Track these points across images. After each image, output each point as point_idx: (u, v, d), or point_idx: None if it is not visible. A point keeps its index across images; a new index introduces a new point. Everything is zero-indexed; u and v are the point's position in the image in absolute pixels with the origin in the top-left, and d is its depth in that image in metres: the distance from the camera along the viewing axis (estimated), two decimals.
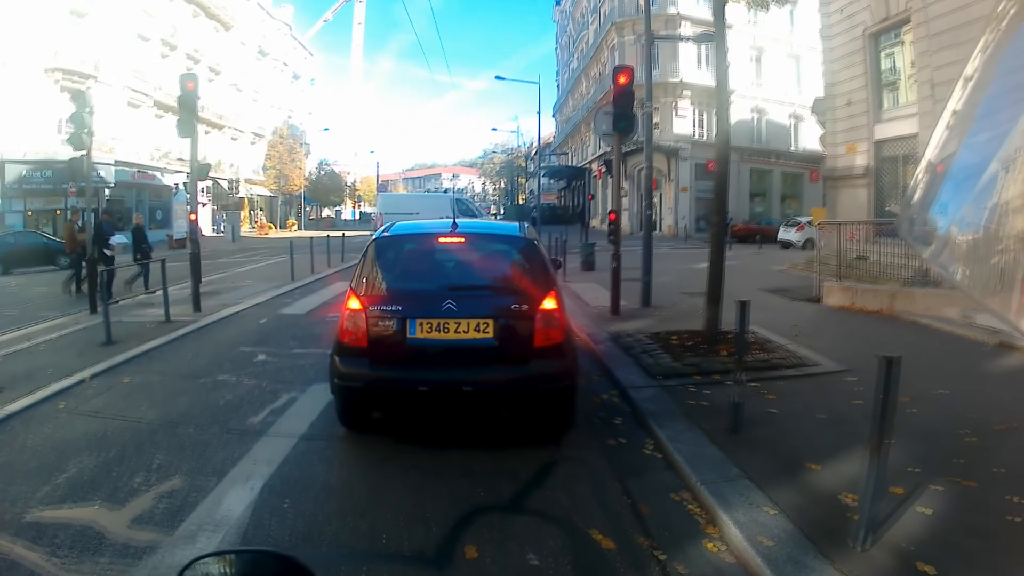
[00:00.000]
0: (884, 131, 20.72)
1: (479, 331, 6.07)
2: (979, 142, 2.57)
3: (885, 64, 20.97)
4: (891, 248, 14.74)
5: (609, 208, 14.07)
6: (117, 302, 14.29)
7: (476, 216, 40.14)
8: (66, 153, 18.84)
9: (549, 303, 6.21)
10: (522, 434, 6.69)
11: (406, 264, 6.93)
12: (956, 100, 2.86)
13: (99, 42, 39.61)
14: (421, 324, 6.07)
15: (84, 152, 14.65)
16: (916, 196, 3.08)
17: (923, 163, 3.15)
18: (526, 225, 7.67)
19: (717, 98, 10.33)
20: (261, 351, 10.53)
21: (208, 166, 17.54)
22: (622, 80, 12.66)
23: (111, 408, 7.88)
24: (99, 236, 17.36)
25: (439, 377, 6.10)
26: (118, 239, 18.48)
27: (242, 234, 54.48)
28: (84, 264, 17.09)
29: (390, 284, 6.57)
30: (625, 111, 12.88)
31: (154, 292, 16.42)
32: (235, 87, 60.70)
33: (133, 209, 43.19)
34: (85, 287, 17.57)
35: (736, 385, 6.41)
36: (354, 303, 6.25)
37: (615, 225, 13.56)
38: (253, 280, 20.83)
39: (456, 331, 6.06)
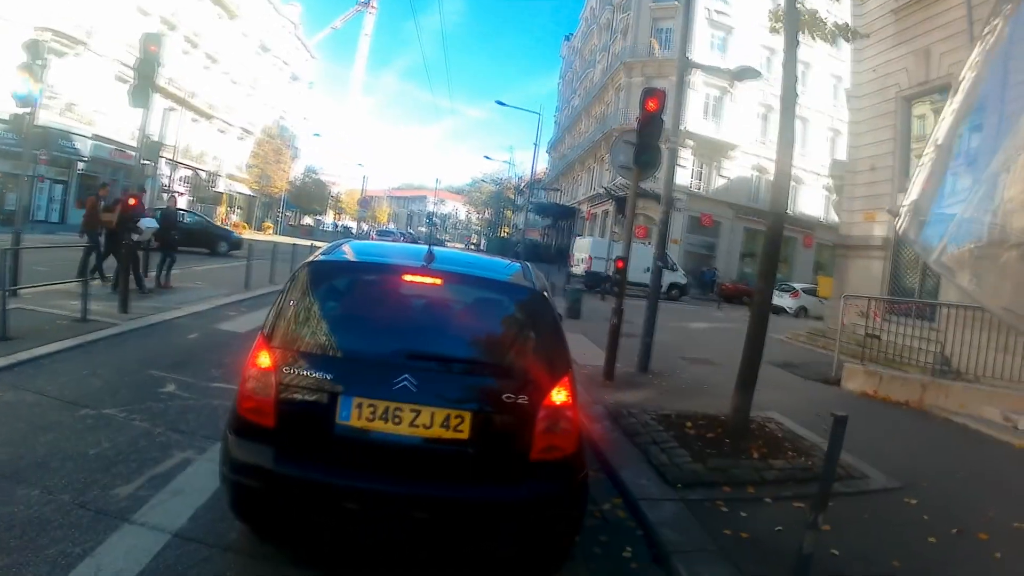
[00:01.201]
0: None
1: (448, 427, 4.01)
2: (975, 148, 2.76)
3: (917, 130, 19.38)
4: (910, 329, 13.21)
5: (611, 252, 12.17)
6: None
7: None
8: (41, 118, 16.77)
9: (560, 395, 4.17)
10: (489, 567, 4.49)
11: (349, 308, 4.72)
12: (952, 106, 3.00)
13: (95, 8, 37.37)
14: (360, 406, 4.01)
15: (29, 110, 12.55)
16: (918, 200, 3.15)
17: (921, 167, 3.20)
18: (531, 268, 5.45)
19: (779, 138, 8.35)
20: (173, 378, 8.45)
21: (158, 144, 15.64)
22: (651, 106, 10.76)
23: None
24: (130, 220, 15.39)
25: (378, 490, 3.97)
26: (148, 223, 16.31)
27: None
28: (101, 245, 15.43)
29: (320, 337, 4.40)
30: (649, 142, 10.97)
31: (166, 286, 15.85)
32: (230, 78, 58.85)
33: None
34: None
35: (811, 530, 4.43)
36: (263, 358, 4.19)
37: (622, 274, 11.59)
38: (204, 282, 18.64)
39: (413, 423, 4.00)
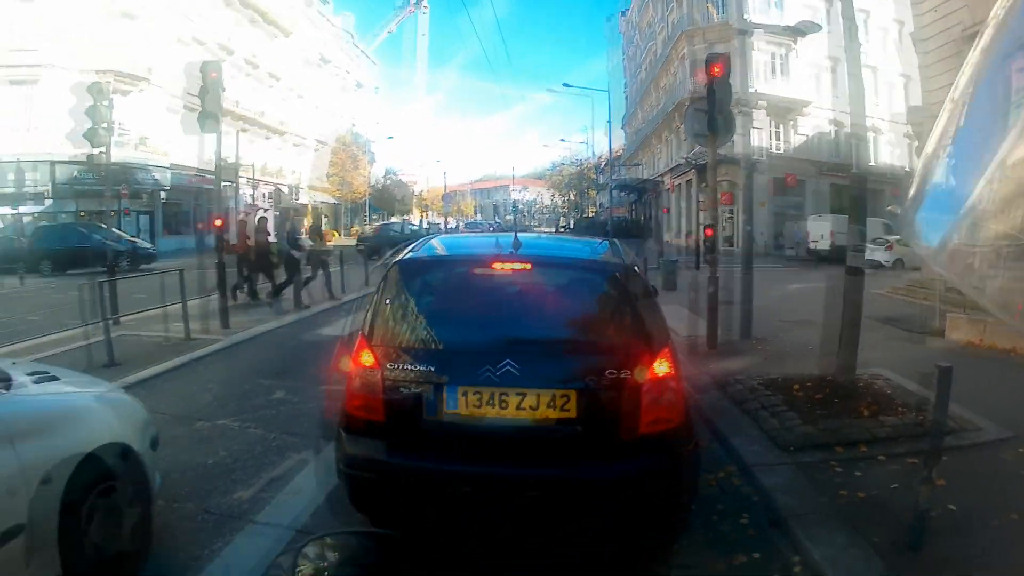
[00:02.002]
0: None
1: (555, 407, 4.02)
2: (966, 149, 2.73)
3: None
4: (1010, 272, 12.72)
5: (696, 222, 12.07)
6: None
7: None
8: (117, 155, 17.94)
9: (662, 366, 4.15)
10: (607, 536, 4.40)
11: (445, 301, 4.79)
12: (950, 103, 2.90)
13: (152, 45, 38.85)
14: (465, 394, 4.07)
15: (102, 148, 13.28)
16: (914, 198, 3.13)
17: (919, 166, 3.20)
18: (619, 244, 5.43)
19: (851, 90, 8.19)
20: (282, 385, 8.72)
21: (235, 166, 16.50)
22: (716, 71, 10.62)
23: None
24: (291, 237, 16.79)
25: (490, 474, 4.04)
26: (305, 241, 17.66)
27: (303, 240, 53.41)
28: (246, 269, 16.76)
29: (420, 331, 4.48)
30: (720, 108, 10.77)
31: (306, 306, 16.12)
32: (296, 94, 59.96)
33: (190, 213, 42.81)
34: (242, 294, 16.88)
35: (925, 485, 4.32)
36: (367, 357, 4.29)
37: (712, 242, 11.46)
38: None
39: (519, 407, 4.03)
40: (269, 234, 18.73)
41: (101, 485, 3.95)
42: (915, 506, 4.34)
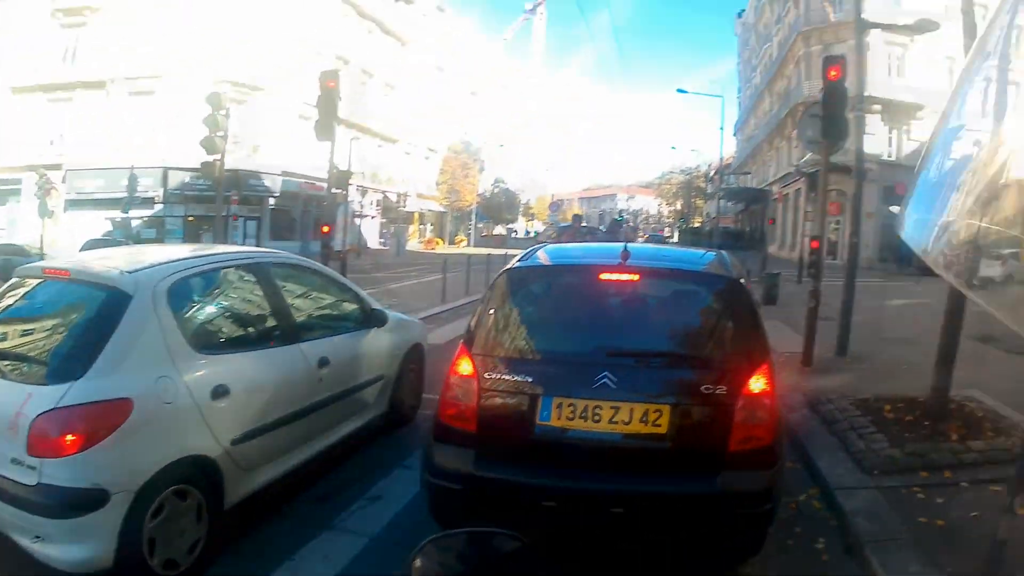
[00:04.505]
0: None
1: (647, 422, 4.07)
2: (949, 148, 2.81)
3: None
4: None
5: (805, 232, 11.91)
6: None
7: None
8: (230, 162, 18.73)
9: (758, 383, 4.16)
10: (679, 558, 4.60)
11: (547, 311, 4.87)
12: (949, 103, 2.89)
13: (269, 54, 40.28)
14: (559, 405, 4.15)
15: (217, 157, 14.15)
16: (907, 197, 3.18)
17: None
18: (727, 256, 5.42)
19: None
20: None
21: (348, 173, 17.13)
22: (833, 75, 10.40)
23: None
24: None
25: (576, 488, 4.10)
26: None
27: (408, 248, 54.32)
28: None
29: (520, 341, 4.56)
30: (836, 112, 10.56)
31: None
32: (409, 102, 60.91)
33: (297, 220, 44.03)
34: None
35: (1006, 514, 4.31)
36: (465, 366, 4.37)
37: (817, 255, 11.28)
38: (401, 298, 19.38)
39: (611, 420, 4.09)
40: None
41: (412, 363, 7.89)
42: (993, 537, 4.32)
